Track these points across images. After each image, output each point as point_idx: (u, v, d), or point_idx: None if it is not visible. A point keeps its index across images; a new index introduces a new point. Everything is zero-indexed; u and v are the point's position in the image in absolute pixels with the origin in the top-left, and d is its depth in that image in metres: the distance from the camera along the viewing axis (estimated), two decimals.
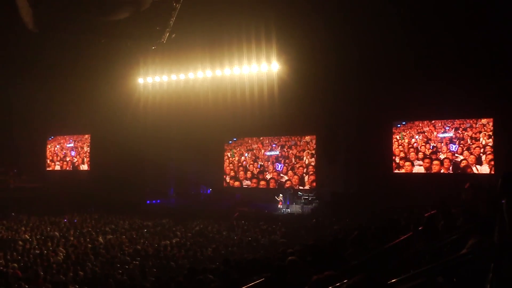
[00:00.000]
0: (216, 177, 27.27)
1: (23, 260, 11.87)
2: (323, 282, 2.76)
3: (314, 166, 25.03)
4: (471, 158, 20.57)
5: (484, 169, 20.23)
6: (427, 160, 21.51)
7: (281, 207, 23.31)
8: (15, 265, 10.95)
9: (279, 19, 17.96)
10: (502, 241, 3.27)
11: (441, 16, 16.88)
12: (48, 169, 33.33)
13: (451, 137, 21.17)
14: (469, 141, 20.73)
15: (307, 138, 25.62)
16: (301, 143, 25.71)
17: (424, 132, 21.88)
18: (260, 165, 26.68)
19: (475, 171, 20.39)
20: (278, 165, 26.11)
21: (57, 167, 33.20)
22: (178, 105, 24.68)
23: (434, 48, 18.40)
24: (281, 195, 23.81)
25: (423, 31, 17.84)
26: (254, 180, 26.64)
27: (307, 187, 24.92)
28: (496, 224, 3.81)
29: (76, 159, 32.46)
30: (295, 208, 22.90)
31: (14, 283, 9.15)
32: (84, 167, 32.02)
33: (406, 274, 2.86)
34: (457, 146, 20.96)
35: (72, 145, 32.89)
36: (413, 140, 22.01)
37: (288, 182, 25.60)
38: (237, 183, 27.15)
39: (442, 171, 21.10)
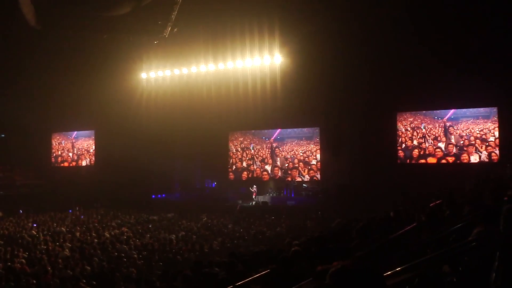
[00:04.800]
0: (220, 170, 27.31)
1: (31, 255, 11.96)
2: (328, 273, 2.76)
3: (318, 159, 25.00)
4: (472, 148, 20.60)
5: (483, 157, 20.31)
6: (433, 150, 21.53)
7: (254, 198, 23.94)
8: (23, 260, 11.04)
9: (281, 11, 17.86)
10: (507, 230, 3.26)
11: (445, 4, 16.76)
12: (53, 165, 33.49)
13: (454, 126, 21.13)
14: (472, 130, 20.70)
15: (308, 131, 25.62)
16: (303, 137, 25.69)
17: (427, 122, 21.85)
18: (263, 158, 26.71)
19: (475, 160, 20.45)
20: (280, 158, 26.12)
21: (62, 163, 33.35)
22: (182, 99, 24.69)
23: (437, 37, 18.25)
24: (255, 186, 24.54)
25: (427, 20, 17.71)
26: (258, 173, 26.67)
27: (306, 178, 24.99)
28: (502, 213, 3.80)
29: (80, 155, 32.57)
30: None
31: (22, 279, 9.22)
32: (89, 162, 32.14)
33: (411, 263, 2.86)
34: (459, 135, 20.98)
35: (76, 140, 33.00)
36: (418, 129, 21.99)
37: (290, 175, 25.65)
38: (244, 176, 27.21)
39: (448, 160, 21.10)
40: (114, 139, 27.83)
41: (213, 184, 27.75)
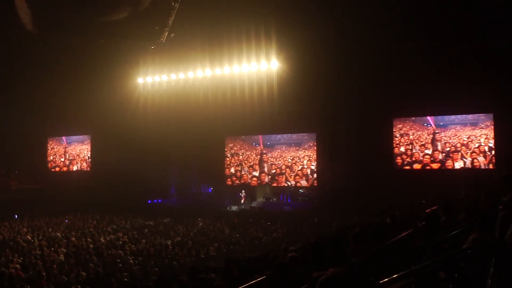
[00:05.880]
0: (217, 175, 27.27)
1: (25, 261, 11.88)
2: None
3: (304, 165, 25.01)
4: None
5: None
6: (428, 156, 21.64)
7: (243, 202, 24.30)
8: (17, 266, 10.96)
9: (278, 16, 17.92)
10: (503, 236, 3.27)
11: (440, 12, 16.85)
12: (49, 170, 33.34)
13: (441, 133, 21.36)
14: (459, 137, 20.98)
15: (297, 137, 25.85)
16: (292, 143, 25.77)
17: (423, 128, 21.99)
18: (252, 164, 26.81)
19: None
20: (268, 164, 26.19)
21: (58, 168, 33.21)
22: (178, 104, 24.67)
23: (434, 44, 18.33)
24: (243, 191, 24.90)
25: (423, 27, 17.79)
26: (245, 178, 26.68)
27: (303, 183, 25.08)
28: (497, 219, 3.80)
29: (76, 160, 32.46)
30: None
31: (16, 284, 9.15)
32: (85, 167, 32.02)
33: (407, 269, 2.86)
34: (446, 142, 21.24)
35: (72, 145, 32.90)
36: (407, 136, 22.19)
37: (276, 180, 25.74)
38: (228, 181, 27.25)
39: (431, 166, 21.26)
40: (110, 144, 27.74)
41: (209, 189, 27.70)
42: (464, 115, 21.03)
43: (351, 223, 11.38)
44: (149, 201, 27.09)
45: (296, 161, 25.41)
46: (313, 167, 24.93)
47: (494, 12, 16.08)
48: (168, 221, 20.39)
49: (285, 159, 25.77)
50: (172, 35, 15.22)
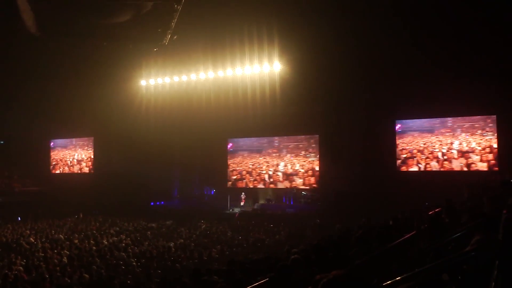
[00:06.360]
0: (219, 178, 27.29)
1: (28, 263, 11.91)
2: None
3: (317, 166, 25.00)
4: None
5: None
6: (431, 159, 21.66)
7: (242, 205, 24.80)
8: (21, 268, 10.98)
9: (281, 18, 17.92)
10: (506, 238, 3.26)
11: (443, 14, 16.83)
12: (52, 172, 33.43)
13: (452, 135, 21.34)
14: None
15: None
16: (301, 143, 25.85)
17: (427, 131, 22.08)
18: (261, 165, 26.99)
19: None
20: (280, 166, 26.23)
21: (61, 170, 33.29)
22: (181, 106, 24.68)
23: (436, 46, 18.30)
24: (243, 193, 25.31)
25: (425, 29, 17.77)
26: (259, 181, 26.75)
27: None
28: (501, 221, 3.80)
29: (79, 162, 32.54)
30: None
31: (20, 286, 9.17)
32: (88, 169, 32.08)
33: (410, 272, 2.86)
34: (457, 144, 21.24)
35: (75, 148, 32.98)
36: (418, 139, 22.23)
37: (289, 182, 25.75)
38: (241, 184, 27.27)
39: (447, 169, 21.21)
40: (113, 146, 27.81)
41: (212, 192, 27.73)
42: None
43: (357, 224, 11.37)
44: (152, 203, 27.12)
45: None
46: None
47: (495, 12, 16.05)
48: (171, 223, 20.42)
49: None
50: (175, 37, 15.23)
